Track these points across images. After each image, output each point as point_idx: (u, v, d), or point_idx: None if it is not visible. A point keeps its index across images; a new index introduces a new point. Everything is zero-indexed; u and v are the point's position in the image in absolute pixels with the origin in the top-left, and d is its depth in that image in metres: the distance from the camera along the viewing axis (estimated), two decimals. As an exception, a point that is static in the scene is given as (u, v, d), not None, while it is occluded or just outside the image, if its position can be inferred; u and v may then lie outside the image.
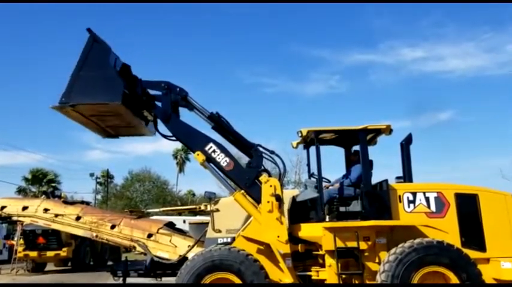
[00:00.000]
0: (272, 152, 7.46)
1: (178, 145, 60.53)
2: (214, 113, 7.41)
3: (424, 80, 62.40)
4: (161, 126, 7.74)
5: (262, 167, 7.21)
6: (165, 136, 7.77)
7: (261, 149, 7.33)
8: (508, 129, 55.09)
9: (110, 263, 20.81)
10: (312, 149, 7.66)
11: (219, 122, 7.41)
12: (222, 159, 7.06)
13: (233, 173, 7.09)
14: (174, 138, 7.57)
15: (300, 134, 7.29)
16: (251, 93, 67.49)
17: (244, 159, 8.10)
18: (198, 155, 7.03)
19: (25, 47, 66.14)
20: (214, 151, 7.07)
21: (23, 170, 51.40)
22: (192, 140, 7.35)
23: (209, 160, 7.08)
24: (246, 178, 7.03)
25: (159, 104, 7.43)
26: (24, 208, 13.55)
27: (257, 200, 6.99)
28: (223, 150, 7.15)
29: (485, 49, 63.90)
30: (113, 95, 6.89)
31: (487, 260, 6.68)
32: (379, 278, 6.24)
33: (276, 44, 68.82)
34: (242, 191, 7.08)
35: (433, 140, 47.58)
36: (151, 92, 7.55)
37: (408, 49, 66.63)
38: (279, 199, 6.85)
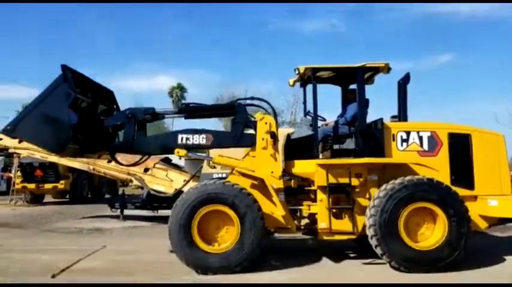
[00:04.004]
0: (252, 98, 7.54)
1: (173, 83, 60.01)
2: (180, 105, 7.37)
3: (427, 20, 60.81)
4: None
5: (249, 118, 7.15)
6: (120, 163, 8.32)
7: (241, 101, 7.34)
8: (506, 75, 54.65)
9: (107, 196, 21.31)
10: (309, 87, 7.63)
11: (189, 110, 7.42)
12: (198, 139, 7.04)
13: (216, 142, 7.09)
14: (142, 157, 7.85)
15: (297, 72, 7.21)
16: (250, 31, 65.65)
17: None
18: (178, 152, 7.00)
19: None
20: (187, 139, 7.04)
21: (17, 104, 51.04)
22: (163, 146, 7.34)
23: (189, 148, 7.07)
24: (233, 136, 7.04)
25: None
26: (20, 141, 13.65)
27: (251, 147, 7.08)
28: (193, 131, 7.12)
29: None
30: (57, 147, 6.78)
31: (475, 198, 6.89)
32: (368, 213, 6.45)
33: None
34: (218, 153, 7.22)
35: (432, 83, 47.22)
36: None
37: (413, -13, 64.02)
38: (274, 136, 6.90)
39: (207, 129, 7.24)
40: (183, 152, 7.00)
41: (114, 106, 8.22)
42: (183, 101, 7.96)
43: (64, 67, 6.68)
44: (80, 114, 7.04)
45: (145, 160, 8.17)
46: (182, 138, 7.06)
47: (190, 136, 7.05)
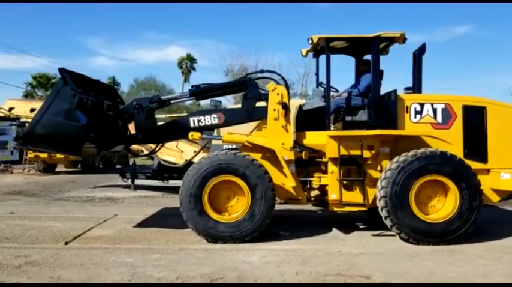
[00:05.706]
0: (262, 71, 7.57)
1: (183, 54, 59.64)
2: (191, 88, 7.39)
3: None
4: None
5: (261, 92, 7.09)
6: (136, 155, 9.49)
7: (252, 76, 7.30)
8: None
9: (118, 166, 21.53)
10: (322, 57, 7.51)
11: (200, 92, 7.35)
12: (211, 119, 7.04)
13: (228, 120, 7.09)
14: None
15: (310, 41, 7.08)
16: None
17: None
18: (192, 135, 6.98)
19: None
20: (199, 121, 7.06)
21: (28, 75, 51.21)
22: (176, 132, 7.42)
23: (202, 129, 7.08)
24: (244, 111, 7.02)
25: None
26: (32, 110, 13.78)
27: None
28: (204, 112, 7.18)
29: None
30: (72, 150, 6.70)
31: (488, 171, 6.82)
32: (379, 185, 6.41)
33: None
34: (227, 132, 7.21)
35: (447, 56, 46.10)
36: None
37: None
38: (286, 107, 6.84)
39: (217, 109, 7.22)
40: (197, 135, 7.01)
41: (118, 99, 8.27)
42: (193, 84, 8.05)
43: (61, 70, 6.62)
44: (88, 113, 7.02)
45: (161, 147, 8.22)
46: (194, 121, 7.08)
47: (201, 118, 7.06)
